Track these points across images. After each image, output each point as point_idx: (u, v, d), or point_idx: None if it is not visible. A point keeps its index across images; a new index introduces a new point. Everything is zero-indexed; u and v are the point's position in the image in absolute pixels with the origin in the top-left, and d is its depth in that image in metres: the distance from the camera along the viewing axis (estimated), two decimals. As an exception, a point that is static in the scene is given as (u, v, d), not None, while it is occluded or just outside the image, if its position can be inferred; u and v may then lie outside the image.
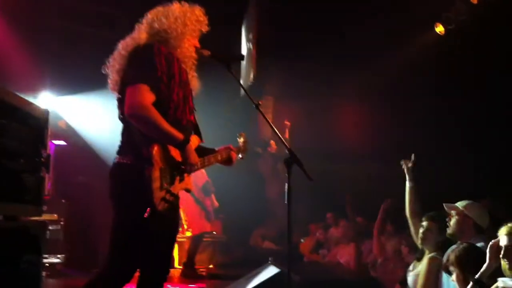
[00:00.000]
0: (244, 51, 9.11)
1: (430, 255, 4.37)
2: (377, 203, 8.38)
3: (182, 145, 2.99)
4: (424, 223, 4.50)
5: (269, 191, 9.62)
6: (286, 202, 3.12)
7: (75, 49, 8.05)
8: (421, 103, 9.29)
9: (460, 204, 4.14)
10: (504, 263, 3.12)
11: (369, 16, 8.50)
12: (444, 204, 4.20)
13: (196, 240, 7.98)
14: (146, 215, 2.78)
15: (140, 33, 3.14)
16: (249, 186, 9.48)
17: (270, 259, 4.76)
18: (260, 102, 3.39)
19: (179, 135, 2.97)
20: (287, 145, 3.21)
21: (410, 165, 4.91)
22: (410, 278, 4.50)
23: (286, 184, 3.12)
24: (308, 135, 9.96)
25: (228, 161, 3.55)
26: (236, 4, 8.98)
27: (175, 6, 3.23)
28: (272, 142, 9.61)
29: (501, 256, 3.13)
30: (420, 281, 4.29)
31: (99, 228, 9.00)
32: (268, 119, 3.38)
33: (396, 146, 9.48)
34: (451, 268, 3.72)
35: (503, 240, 3.13)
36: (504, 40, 7.75)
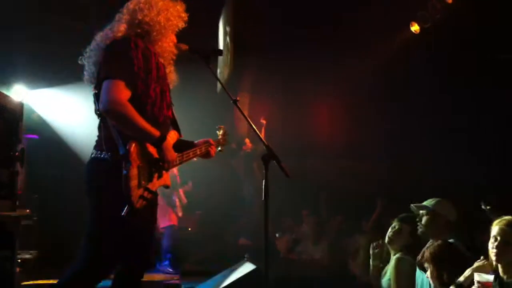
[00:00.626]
0: (221, 46, 9.06)
1: (396, 256, 4.40)
2: (351, 200, 8.47)
3: (158, 143, 2.95)
4: (395, 224, 4.50)
5: (244, 188, 9.59)
6: (263, 199, 3.10)
7: (49, 42, 7.90)
8: (396, 100, 9.39)
9: (428, 203, 4.15)
10: (489, 247, 3.15)
11: (345, 13, 8.55)
12: (412, 205, 4.21)
13: (163, 234, 8.00)
14: (124, 213, 2.75)
15: (120, 25, 3.08)
16: (224, 182, 9.45)
17: (246, 255, 4.75)
18: (238, 98, 3.35)
19: (156, 132, 2.93)
20: (265, 141, 3.19)
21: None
22: (385, 284, 4.49)
23: (264, 181, 3.09)
24: (283, 132, 9.98)
25: (207, 154, 3.53)
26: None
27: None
28: (246, 140, 9.54)
29: (490, 243, 3.17)
30: (393, 284, 4.31)
31: (73, 223, 8.89)
32: (246, 115, 3.33)
33: (370, 143, 9.60)
34: (426, 265, 3.76)
35: (494, 230, 3.17)
36: (478, 38, 7.89)
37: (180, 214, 8.15)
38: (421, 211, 4.13)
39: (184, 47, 3.30)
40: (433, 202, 4.14)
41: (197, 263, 6.35)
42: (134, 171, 2.79)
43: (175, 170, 7.94)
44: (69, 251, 8.44)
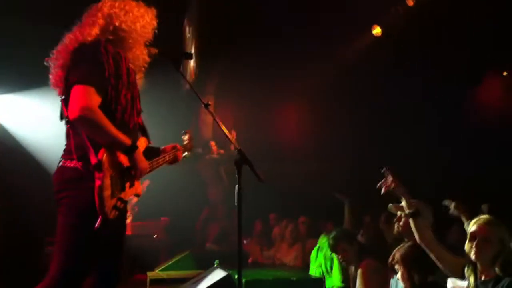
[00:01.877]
0: (187, 48, 8.99)
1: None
2: (320, 202, 8.48)
3: (129, 151, 2.87)
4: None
5: (210, 193, 9.50)
6: (236, 203, 3.05)
7: (10, 46, 7.65)
8: (362, 102, 9.50)
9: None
10: (467, 247, 3.15)
11: (309, 16, 8.58)
12: (389, 205, 4.18)
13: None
14: (97, 225, 2.67)
15: (92, 28, 2.97)
16: (190, 187, 9.36)
17: (216, 261, 4.69)
18: (209, 102, 3.29)
19: (127, 141, 2.85)
20: (237, 146, 3.14)
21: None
22: None
23: (237, 186, 3.05)
24: (249, 135, 9.95)
25: (174, 160, 3.46)
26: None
27: (132, 4, 3.10)
28: (212, 143, 9.43)
29: (466, 243, 3.16)
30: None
31: (35, 232, 8.66)
32: (216, 119, 3.27)
33: (337, 145, 9.68)
34: (396, 267, 3.77)
35: (472, 229, 3.17)
36: (439, 40, 8.05)
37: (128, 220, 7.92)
38: (399, 212, 4.11)
39: (154, 50, 3.22)
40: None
41: (165, 271, 6.24)
42: (107, 181, 2.71)
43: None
44: (29, 260, 8.29)
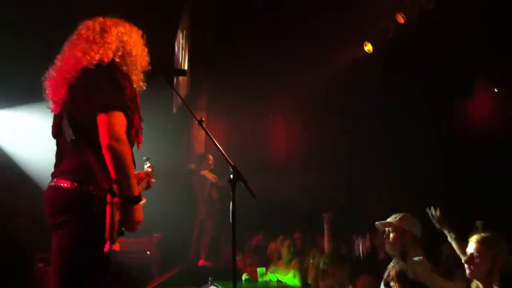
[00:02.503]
0: (178, 64, 9.01)
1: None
2: (313, 215, 8.46)
3: (131, 201, 2.76)
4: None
5: (201, 210, 9.42)
6: (231, 220, 3.04)
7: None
8: (352, 115, 9.53)
9: (393, 219, 4.09)
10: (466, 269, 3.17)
11: (298, 28, 8.61)
12: (376, 223, 4.13)
13: None
14: (106, 249, 2.66)
15: (105, 49, 2.90)
16: (182, 203, 9.30)
17: (209, 278, 4.65)
18: (203, 119, 3.28)
19: (135, 190, 2.77)
20: (231, 162, 3.14)
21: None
22: None
23: (231, 202, 3.04)
24: (239, 150, 9.94)
25: (148, 187, 3.40)
26: (169, 14, 8.86)
27: (132, 28, 3.09)
28: (209, 156, 9.29)
29: (463, 261, 3.19)
30: None
31: (22, 249, 8.58)
32: (211, 135, 3.25)
33: (328, 157, 9.69)
34: (392, 284, 3.76)
35: (470, 247, 3.19)
36: (430, 57, 8.11)
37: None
38: (386, 228, 4.08)
39: (147, 67, 3.19)
40: (397, 217, 4.08)
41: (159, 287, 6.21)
42: (118, 205, 2.69)
43: None
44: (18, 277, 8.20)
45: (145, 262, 8.40)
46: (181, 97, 3.60)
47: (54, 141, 3.00)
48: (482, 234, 3.21)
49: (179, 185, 9.21)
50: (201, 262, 8.68)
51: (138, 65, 3.05)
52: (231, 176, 3.07)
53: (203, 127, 3.25)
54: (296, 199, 9.49)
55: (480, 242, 3.16)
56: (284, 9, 8.44)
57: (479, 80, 8.69)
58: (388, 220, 4.10)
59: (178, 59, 9.30)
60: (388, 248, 4.08)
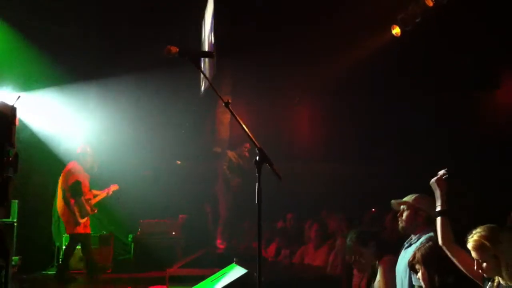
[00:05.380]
0: (206, 48, 9.03)
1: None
2: (341, 203, 8.47)
3: None
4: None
5: (218, 188, 9.47)
6: (257, 202, 3.06)
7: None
8: (378, 103, 9.45)
9: (409, 198, 4.11)
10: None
11: (323, 15, 8.56)
12: (392, 201, 4.17)
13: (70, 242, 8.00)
14: None
15: None
16: (208, 186, 9.40)
17: (235, 259, 4.70)
18: (229, 100, 3.28)
19: None
20: (257, 144, 3.14)
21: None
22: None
23: (257, 185, 3.05)
24: (264, 135, 9.96)
25: None
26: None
27: None
28: (247, 145, 9.32)
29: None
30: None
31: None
32: (237, 117, 3.26)
33: (353, 147, 9.66)
34: (417, 267, 3.75)
35: (468, 245, 3.15)
36: (458, 40, 7.99)
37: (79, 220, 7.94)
38: (402, 206, 4.11)
39: (174, 49, 3.18)
40: (413, 197, 4.10)
41: (184, 268, 6.30)
42: None
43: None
44: (48, 256, 8.42)
45: (170, 243, 8.54)
46: (208, 79, 3.59)
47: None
48: (475, 237, 3.13)
49: (205, 168, 9.31)
50: (218, 244, 8.80)
51: None
52: (257, 158, 3.06)
53: (229, 109, 3.25)
54: (317, 185, 9.51)
55: (477, 248, 3.08)
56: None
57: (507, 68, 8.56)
58: (404, 199, 4.13)
59: (205, 41, 9.33)
60: (400, 226, 4.10)
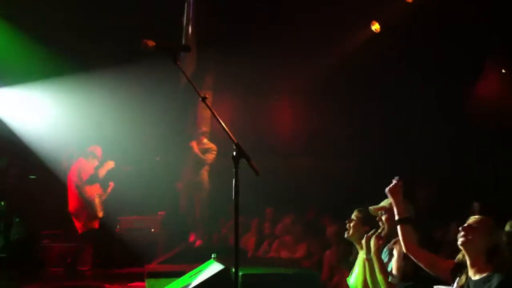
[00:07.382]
0: (185, 40, 8.97)
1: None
2: (316, 198, 8.51)
3: None
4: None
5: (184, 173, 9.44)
6: (233, 197, 3.04)
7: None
8: (358, 97, 9.50)
9: (386, 203, 4.01)
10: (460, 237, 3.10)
11: (308, 11, 8.57)
12: (369, 208, 4.09)
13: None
14: None
15: None
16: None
17: (213, 255, 4.69)
18: (207, 96, 3.25)
19: None
20: (234, 140, 3.12)
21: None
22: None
23: (234, 180, 3.03)
24: (245, 130, 9.96)
25: None
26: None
27: None
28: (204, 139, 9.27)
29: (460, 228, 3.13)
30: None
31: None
32: (214, 112, 3.23)
33: (332, 140, 9.69)
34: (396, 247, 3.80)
35: (471, 220, 3.14)
36: (438, 36, 8.05)
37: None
38: (379, 212, 4.07)
39: (151, 43, 3.16)
40: (389, 201, 4.05)
41: (163, 264, 6.29)
42: None
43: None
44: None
45: (149, 239, 8.50)
46: (185, 74, 3.55)
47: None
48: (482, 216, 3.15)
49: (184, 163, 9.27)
50: (191, 239, 8.79)
51: None
52: (234, 153, 3.05)
53: (206, 104, 3.22)
54: (297, 180, 9.52)
55: (478, 217, 3.08)
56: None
57: (488, 61, 8.64)
58: (381, 204, 4.09)
59: (185, 35, 9.26)
60: (382, 232, 4.04)
